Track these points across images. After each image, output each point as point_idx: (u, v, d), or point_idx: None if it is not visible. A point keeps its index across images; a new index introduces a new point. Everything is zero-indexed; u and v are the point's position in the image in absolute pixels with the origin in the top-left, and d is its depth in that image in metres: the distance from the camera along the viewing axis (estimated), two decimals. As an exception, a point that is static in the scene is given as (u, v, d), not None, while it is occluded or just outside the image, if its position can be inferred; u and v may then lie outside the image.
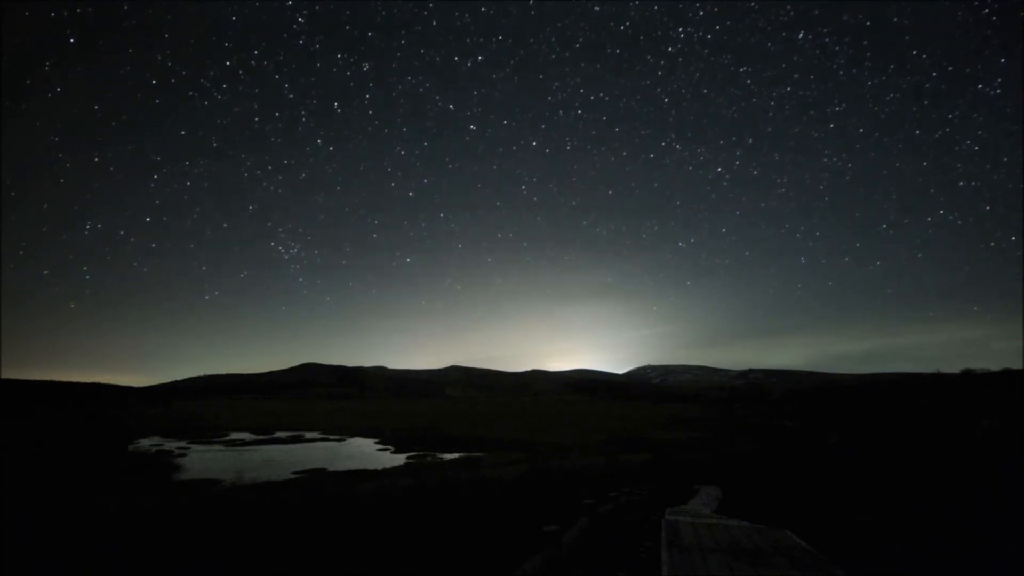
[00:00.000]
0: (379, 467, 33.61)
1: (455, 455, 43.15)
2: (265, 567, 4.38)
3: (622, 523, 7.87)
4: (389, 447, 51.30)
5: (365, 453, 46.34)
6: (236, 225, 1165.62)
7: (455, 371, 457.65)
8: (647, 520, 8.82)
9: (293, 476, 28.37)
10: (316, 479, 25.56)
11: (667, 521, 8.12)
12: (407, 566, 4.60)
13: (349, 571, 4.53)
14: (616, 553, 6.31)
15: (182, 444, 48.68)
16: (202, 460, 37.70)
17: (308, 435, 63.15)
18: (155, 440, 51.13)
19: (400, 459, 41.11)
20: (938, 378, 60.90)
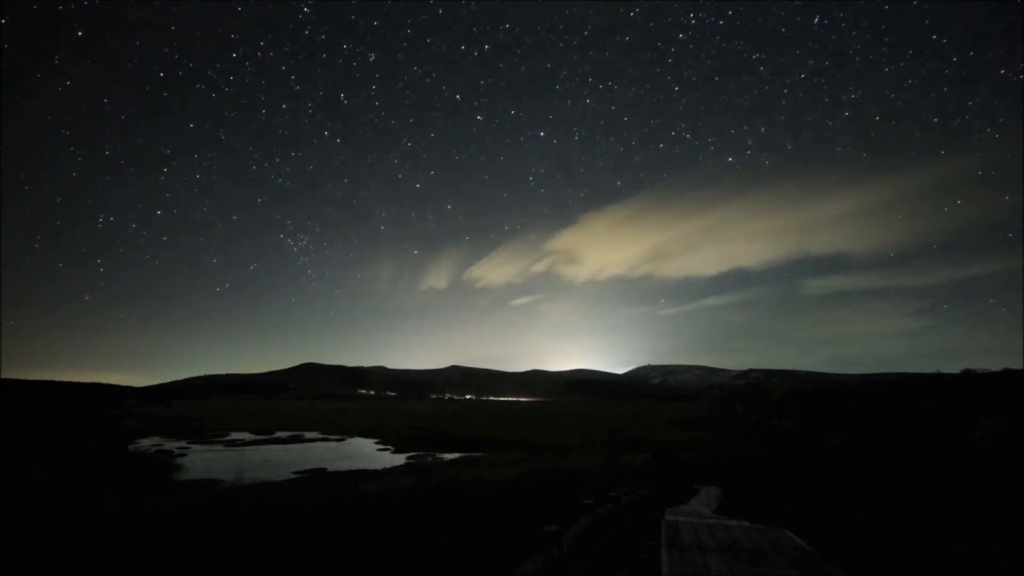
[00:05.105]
0: (379, 467, 33.55)
1: (455, 455, 43.10)
2: (266, 567, 4.39)
3: (622, 523, 7.87)
4: (389, 447, 51.27)
5: (365, 453, 46.31)
6: (245, 218, 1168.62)
7: (455, 371, 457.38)
8: (647, 520, 8.82)
9: (293, 476, 28.35)
10: (316, 479, 25.53)
11: (667, 521, 8.12)
12: (408, 566, 4.60)
13: (350, 571, 4.54)
14: (616, 553, 6.32)
15: (182, 444, 48.62)
16: (202, 460, 37.67)
17: (308, 435, 63.07)
18: (155, 440, 51.06)
19: (400, 459, 41.07)
20: (938, 378, 60.88)
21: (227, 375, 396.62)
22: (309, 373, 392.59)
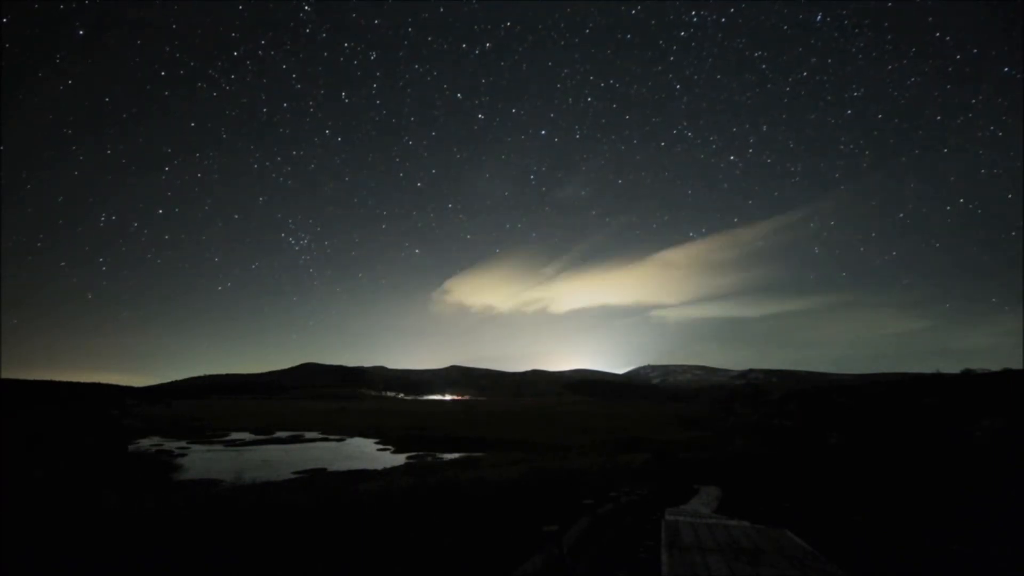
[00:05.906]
0: (379, 467, 33.57)
1: (455, 455, 43.14)
2: (266, 567, 4.38)
3: (622, 523, 7.87)
4: (389, 447, 51.31)
5: (365, 453, 46.35)
6: (246, 217, 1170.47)
7: (455, 371, 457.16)
8: (647, 520, 8.82)
9: (293, 476, 28.36)
10: (316, 479, 25.53)
11: (667, 521, 8.13)
12: (408, 566, 4.60)
13: (350, 571, 4.54)
14: (616, 553, 6.32)
15: (182, 444, 48.65)
16: (202, 460, 37.70)
17: (308, 435, 63.12)
18: (155, 440, 51.07)
19: (400, 459, 41.12)
20: (938, 378, 60.84)
21: (227, 375, 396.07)
22: (309, 373, 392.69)
